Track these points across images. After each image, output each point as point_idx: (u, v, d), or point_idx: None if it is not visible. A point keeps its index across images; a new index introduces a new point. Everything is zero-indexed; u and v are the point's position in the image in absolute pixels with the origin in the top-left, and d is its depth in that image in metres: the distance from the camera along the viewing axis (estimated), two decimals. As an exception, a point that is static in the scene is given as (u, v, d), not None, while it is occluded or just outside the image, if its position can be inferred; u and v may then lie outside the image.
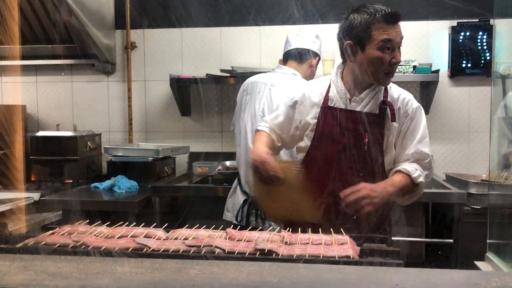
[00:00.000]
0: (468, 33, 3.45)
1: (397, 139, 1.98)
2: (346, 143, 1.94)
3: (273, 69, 2.83)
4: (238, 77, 3.38)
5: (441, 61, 3.54)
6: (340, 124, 1.95)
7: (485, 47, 3.44)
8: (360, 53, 1.89)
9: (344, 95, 1.97)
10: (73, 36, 3.61)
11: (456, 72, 3.51)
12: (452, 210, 2.82)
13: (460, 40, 3.47)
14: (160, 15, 3.80)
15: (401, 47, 1.92)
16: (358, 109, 1.95)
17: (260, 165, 1.86)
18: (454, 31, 3.47)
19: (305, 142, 2.03)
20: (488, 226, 2.01)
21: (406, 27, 3.65)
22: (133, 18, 3.82)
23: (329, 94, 1.99)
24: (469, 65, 3.47)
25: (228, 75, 3.48)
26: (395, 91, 2.01)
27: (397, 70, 3.31)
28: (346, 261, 1.21)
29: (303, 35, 2.68)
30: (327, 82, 2.04)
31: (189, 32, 3.82)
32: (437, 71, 3.35)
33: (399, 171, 1.93)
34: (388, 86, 1.99)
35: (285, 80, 2.58)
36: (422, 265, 2.88)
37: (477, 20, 3.45)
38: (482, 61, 3.46)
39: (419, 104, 2.04)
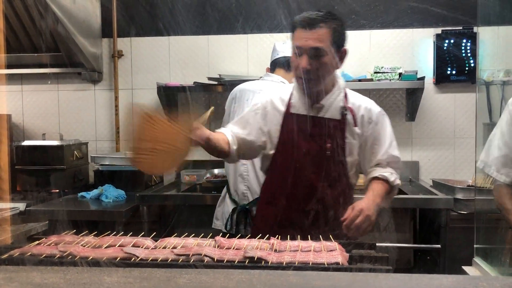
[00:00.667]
0: (452, 41, 3.50)
1: (363, 145, 2.00)
2: (310, 149, 1.96)
3: (261, 77, 2.83)
4: (225, 85, 3.38)
5: (426, 68, 3.58)
6: (304, 131, 1.97)
7: (469, 54, 3.49)
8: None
9: (306, 102, 1.98)
10: (60, 45, 3.59)
11: (441, 79, 3.55)
12: (440, 215, 2.84)
13: (445, 48, 3.51)
14: (147, 24, 3.80)
15: (324, 56, 1.89)
16: (319, 115, 1.98)
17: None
18: (439, 38, 3.51)
19: (270, 149, 2.04)
20: (475, 231, 2.03)
21: (391, 35, 3.74)
22: (120, 27, 3.81)
23: (291, 101, 2.01)
24: (454, 72, 3.52)
25: (215, 83, 3.48)
26: (356, 99, 2.04)
27: (383, 77, 3.39)
28: (336, 267, 1.22)
29: (290, 43, 2.69)
30: (289, 89, 2.07)
31: (176, 40, 3.82)
32: (422, 78, 3.39)
33: (377, 178, 1.96)
34: (347, 93, 2.03)
35: (274, 88, 2.59)
36: (411, 271, 2.90)
37: (461, 27, 3.50)
38: (467, 68, 3.51)
39: (381, 109, 2.07)
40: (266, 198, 2.13)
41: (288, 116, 2.01)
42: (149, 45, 3.85)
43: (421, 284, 0.88)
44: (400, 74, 3.42)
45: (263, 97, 2.10)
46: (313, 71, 1.88)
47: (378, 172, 1.97)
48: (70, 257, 1.32)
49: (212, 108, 2.04)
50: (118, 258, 1.33)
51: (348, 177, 2.02)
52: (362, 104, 2.03)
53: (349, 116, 1.97)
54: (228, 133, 2.01)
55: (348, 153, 1.98)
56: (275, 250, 1.40)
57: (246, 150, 2.04)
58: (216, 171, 3.55)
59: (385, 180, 1.95)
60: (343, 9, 3.61)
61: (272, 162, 2.05)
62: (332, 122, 1.96)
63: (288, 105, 2.02)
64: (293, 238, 1.49)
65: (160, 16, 3.75)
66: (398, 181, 1.98)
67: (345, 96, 2.01)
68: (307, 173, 1.97)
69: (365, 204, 1.82)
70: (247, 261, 1.31)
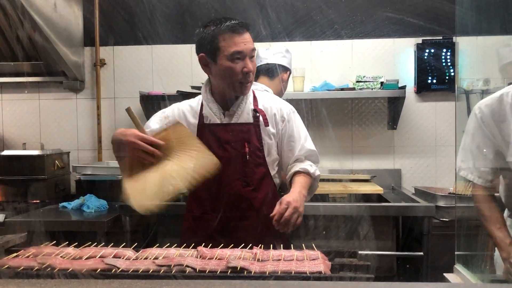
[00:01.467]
0: (432, 50, 3.56)
1: (280, 143, 2.05)
2: (229, 157, 1.96)
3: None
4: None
5: (407, 77, 3.63)
6: (219, 139, 1.98)
7: (449, 64, 3.55)
8: (214, 65, 1.93)
9: (217, 110, 2.00)
10: (40, 53, 3.55)
11: (422, 88, 3.60)
12: (421, 223, 2.86)
13: (425, 57, 3.57)
14: (129, 32, 3.79)
15: (253, 57, 1.96)
16: (232, 121, 1.99)
17: (134, 140, 1.71)
18: (419, 48, 3.57)
19: None
20: (456, 238, 2.05)
21: (373, 44, 3.78)
22: (102, 35, 3.79)
23: (204, 111, 2.01)
24: (434, 81, 3.57)
25: (199, 91, 3.46)
26: (266, 100, 2.08)
27: (365, 86, 3.42)
28: (317, 276, 1.22)
29: (273, 50, 2.70)
30: (199, 101, 2.07)
31: (159, 49, 3.81)
32: (403, 87, 3.44)
33: (298, 172, 2.01)
34: (256, 95, 2.06)
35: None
36: (393, 279, 2.91)
37: (441, 37, 3.56)
38: (447, 77, 3.56)
39: (292, 107, 2.12)
40: (193, 212, 2.08)
41: (202, 127, 2.01)
42: (132, 54, 3.83)
43: (401, 292, 0.89)
44: (381, 83, 3.46)
45: (174, 109, 2.08)
46: (252, 73, 1.93)
47: (299, 166, 2.02)
48: (49, 269, 1.30)
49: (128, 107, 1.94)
50: (99, 270, 1.32)
51: (271, 177, 2.06)
52: (273, 104, 2.07)
53: (259, 117, 1.99)
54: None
55: (267, 153, 2.01)
56: (258, 260, 1.40)
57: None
58: (199, 180, 3.53)
59: (306, 173, 2.01)
60: (322, 19, 3.65)
61: None
62: (246, 126, 1.98)
63: (200, 117, 2.02)
64: (225, 247, 1.48)
65: (142, 25, 3.74)
66: (318, 172, 2.07)
67: (254, 98, 2.05)
68: (231, 181, 1.97)
69: (292, 197, 1.84)
70: (229, 271, 1.30)
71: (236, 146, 1.97)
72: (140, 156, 1.72)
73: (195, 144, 1.75)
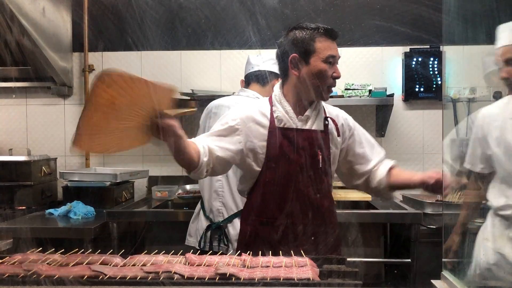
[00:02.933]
0: (420, 59, 3.60)
1: (345, 153, 2.05)
2: (303, 163, 1.93)
3: (233, 93, 2.84)
4: (198, 100, 3.38)
5: (395, 85, 3.67)
6: (294, 144, 1.93)
7: (436, 72, 3.60)
8: (305, 66, 1.90)
9: (293, 115, 1.96)
10: (28, 59, 3.52)
11: (409, 96, 3.64)
12: (409, 230, 2.88)
13: (413, 66, 3.61)
14: (118, 38, 3.78)
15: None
16: (306, 127, 1.96)
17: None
18: (407, 56, 3.61)
19: (254, 167, 1.97)
20: (443, 245, 2.06)
21: (361, 52, 3.82)
22: (91, 41, 3.77)
23: (276, 115, 1.96)
24: (421, 89, 3.61)
25: (188, 98, 3.47)
26: (332, 109, 2.08)
27: (353, 94, 3.45)
28: (306, 283, 1.22)
29: (264, 56, 2.70)
30: (266, 103, 2.02)
31: (148, 55, 3.81)
32: (391, 95, 3.47)
33: (394, 166, 2.06)
34: (324, 105, 2.05)
35: (250, 102, 2.59)
36: (381, 285, 2.92)
37: (428, 46, 3.61)
38: (434, 86, 3.61)
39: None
40: (256, 216, 2.02)
41: (274, 130, 1.95)
42: (121, 60, 3.82)
43: (389, 298, 0.89)
44: (370, 91, 3.49)
45: (242, 112, 2.00)
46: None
47: (389, 163, 2.06)
48: (35, 276, 1.29)
49: (194, 108, 1.87)
50: (86, 277, 1.30)
51: (331, 187, 2.06)
52: (339, 113, 2.07)
53: (331, 126, 1.98)
54: (200, 144, 1.87)
55: (332, 163, 2.00)
56: (247, 266, 1.40)
57: (218, 165, 1.92)
58: (188, 187, 3.53)
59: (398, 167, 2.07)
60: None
61: (260, 179, 1.98)
62: (320, 134, 1.95)
63: (272, 119, 1.97)
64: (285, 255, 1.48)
65: (132, 31, 3.73)
66: None
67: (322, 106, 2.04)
68: (302, 187, 1.94)
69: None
70: (217, 278, 1.30)
71: (310, 152, 1.93)
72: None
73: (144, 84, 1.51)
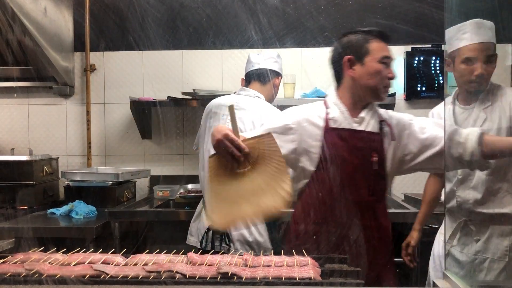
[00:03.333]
0: (422, 58, 3.59)
1: (413, 145, 1.98)
2: (357, 163, 1.93)
3: (235, 92, 2.83)
4: (200, 99, 3.38)
5: (397, 84, 3.66)
6: (349, 145, 1.94)
7: (438, 71, 3.59)
8: (360, 67, 1.92)
9: (347, 115, 1.96)
10: (30, 58, 3.53)
11: (411, 95, 3.63)
12: (411, 229, 2.86)
13: (415, 65, 3.60)
14: (120, 38, 3.78)
15: None
16: (361, 128, 1.95)
17: (223, 138, 1.71)
18: (409, 55, 3.60)
19: (307, 167, 1.98)
20: (445, 245, 2.06)
21: (363, 51, 3.77)
22: (93, 41, 3.78)
23: (331, 115, 1.97)
24: (423, 88, 3.60)
25: (189, 97, 3.47)
26: (383, 111, 2.06)
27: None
28: (308, 282, 1.21)
29: (265, 54, 2.70)
30: (321, 105, 2.03)
31: (149, 54, 3.81)
32: (393, 94, 3.46)
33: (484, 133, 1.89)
34: (378, 108, 2.04)
35: (249, 102, 2.59)
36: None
37: (430, 45, 3.60)
38: (436, 85, 3.60)
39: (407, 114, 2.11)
40: (311, 218, 2.02)
41: (329, 131, 1.96)
42: (122, 60, 3.83)
43: (391, 297, 0.89)
44: (371, 90, 3.47)
45: (297, 113, 2.03)
46: None
47: (475, 131, 1.89)
48: (37, 275, 1.29)
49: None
50: (87, 276, 1.30)
51: (386, 190, 2.03)
52: (392, 114, 2.05)
53: (386, 129, 1.97)
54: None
55: (388, 164, 1.97)
56: (249, 266, 1.40)
57: None
58: (189, 186, 3.53)
59: None
60: (313, 25, 3.68)
61: (314, 180, 1.98)
62: (375, 135, 1.94)
63: (326, 120, 1.97)
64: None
65: (133, 31, 3.74)
66: None
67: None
68: (357, 188, 1.94)
69: None
70: (219, 277, 1.30)
71: (365, 154, 1.93)
72: (224, 155, 1.73)
73: (278, 158, 1.68)
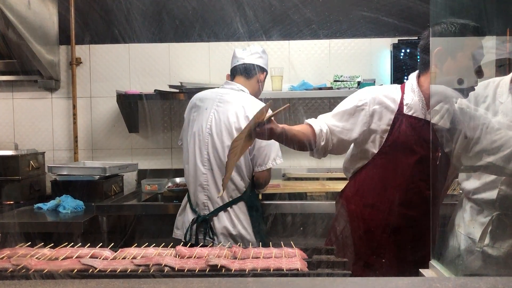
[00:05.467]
0: (408, 50, 3.61)
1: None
2: (423, 154, 1.90)
3: (221, 85, 2.83)
4: (187, 92, 3.37)
5: (384, 76, 3.68)
6: (419, 135, 1.91)
7: (424, 64, 3.61)
8: (450, 61, 1.89)
9: (424, 105, 1.94)
10: (14, 52, 3.48)
11: (398, 87, 3.65)
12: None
13: (401, 57, 3.62)
14: (106, 31, 3.75)
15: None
16: (434, 121, 1.91)
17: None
18: (395, 48, 3.62)
19: (370, 148, 1.98)
20: (431, 234, 2.08)
21: (350, 44, 3.82)
22: (78, 34, 3.74)
23: (407, 102, 1.95)
24: (409, 80, 3.62)
25: (177, 90, 3.46)
26: (458, 105, 1.99)
27: (342, 86, 3.46)
28: (295, 273, 1.23)
29: (250, 50, 2.71)
30: (397, 89, 2.01)
31: (136, 47, 3.78)
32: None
33: None
34: None
35: (233, 96, 2.59)
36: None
37: (417, 37, 3.62)
38: (422, 77, 3.62)
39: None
40: (362, 199, 2.03)
41: (402, 116, 1.94)
42: (108, 53, 3.79)
43: (377, 287, 0.91)
44: (358, 82, 3.49)
45: (370, 92, 2.01)
46: None
47: None
48: (24, 270, 1.28)
49: (287, 105, 1.97)
50: (75, 270, 1.30)
51: (447, 188, 2.00)
52: (467, 111, 1.98)
53: (459, 125, 1.89)
54: (318, 126, 1.94)
55: (453, 162, 1.93)
56: (238, 258, 1.40)
57: (339, 146, 1.99)
58: (177, 180, 3.52)
59: None
60: (300, 18, 3.68)
61: (373, 163, 1.98)
62: (446, 130, 1.88)
63: (401, 105, 1.95)
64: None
65: (118, 23, 3.70)
66: None
67: None
68: (417, 180, 1.92)
69: None
70: (207, 270, 1.30)
71: (433, 147, 1.87)
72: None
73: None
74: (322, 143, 1.96)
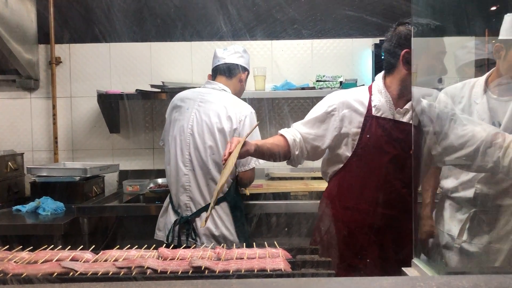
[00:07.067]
0: (389, 50, 3.63)
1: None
2: (395, 154, 1.94)
3: (203, 85, 2.81)
4: (169, 92, 3.34)
5: (365, 76, 3.70)
6: (389, 135, 1.95)
7: (405, 64, 3.64)
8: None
9: (391, 106, 1.97)
10: (-9, 51, 3.41)
11: (379, 87, 3.67)
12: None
13: (383, 57, 3.63)
14: (86, 29, 3.69)
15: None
16: (404, 120, 1.97)
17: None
18: (377, 48, 3.64)
19: (344, 152, 2.01)
20: (413, 233, 2.10)
21: (332, 44, 3.83)
22: (58, 33, 3.67)
23: (375, 103, 1.98)
24: (391, 80, 3.65)
25: (159, 90, 3.42)
26: (426, 103, 2.03)
27: (324, 86, 3.47)
28: (279, 274, 1.22)
29: (231, 49, 2.69)
30: (365, 91, 2.04)
31: (117, 47, 3.73)
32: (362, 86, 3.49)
33: None
34: None
35: (215, 96, 2.57)
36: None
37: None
38: (403, 77, 3.65)
39: None
40: (340, 202, 2.06)
41: (371, 118, 1.97)
42: (89, 52, 3.74)
43: (361, 286, 0.90)
44: (341, 82, 3.51)
45: (338, 97, 2.04)
46: None
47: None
48: (2, 275, 1.25)
49: (257, 123, 2.08)
50: (55, 274, 1.27)
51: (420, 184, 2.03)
52: (435, 109, 2.02)
53: (428, 123, 1.93)
54: (291, 136, 1.98)
55: (422, 159, 1.96)
56: (222, 259, 1.39)
57: (313, 154, 2.03)
58: (159, 180, 3.49)
59: None
60: (283, 17, 3.68)
61: (348, 165, 2.02)
62: (415, 129, 1.91)
63: (369, 107, 1.98)
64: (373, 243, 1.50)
65: (99, 22, 3.65)
66: None
67: None
68: (391, 179, 1.96)
69: None
70: (190, 271, 1.29)
71: (404, 146, 1.93)
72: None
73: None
74: (297, 152, 2.00)
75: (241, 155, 1.82)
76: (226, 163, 1.75)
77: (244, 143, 1.82)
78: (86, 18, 3.68)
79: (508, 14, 1.87)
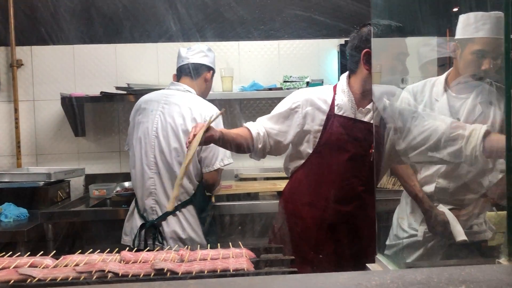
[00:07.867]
0: (354, 51, 3.69)
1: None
2: (354, 153, 1.98)
3: (167, 87, 2.78)
4: (135, 94, 3.30)
5: (331, 76, 3.75)
6: (349, 134, 1.98)
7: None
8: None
9: (353, 105, 2.01)
10: None
11: (345, 87, 3.72)
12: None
13: (348, 57, 3.69)
14: (49, 32, 3.61)
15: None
16: (365, 119, 2.00)
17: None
18: (342, 48, 3.69)
19: (305, 149, 2.04)
20: (377, 230, 2.14)
21: (298, 45, 3.87)
22: (19, 35, 3.58)
23: (337, 102, 2.01)
24: (357, 80, 3.71)
25: (124, 92, 3.38)
26: (388, 103, 2.08)
27: (291, 86, 3.50)
28: (241, 273, 1.23)
29: (195, 49, 2.67)
30: (330, 90, 2.08)
31: (81, 49, 3.67)
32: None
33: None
34: None
35: (179, 97, 2.55)
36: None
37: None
38: (368, 77, 3.71)
39: None
40: (300, 198, 2.10)
41: (333, 117, 2.00)
42: (52, 54, 3.66)
43: (318, 283, 0.92)
44: (307, 82, 3.54)
45: (303, 95, 2.07)
46: None
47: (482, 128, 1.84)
48: (-45, 284, 1.21)
49: (222, 110, 2.03)
50: (12, 281, 1.24)
51: (378, 182, 2.10)
52: (397, 107, 2.06)
53: (389, 123, 1.98)
54: (255, 129, 2.00)
55: (382, 158, 2.00)
56: (185, 261, 1.39)
57: (276, 148, 2.05)
58: (126, 184, 3.45)
59: None
60: (250, 16, 3.69)
61: (309, 162, 2.05)
62: (376, 128, 1.96)
63: (332, 106, 2.01)
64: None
65: (63, 24, 3.58)
66: None
67: None
68: (349, 177, 2.00)
69: None
70: (152, 274, 1.28)
71: (363, 144, 1.96)
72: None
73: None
74: (260, 146, 2.02)
75: (206, 140, 1.82)
76: (189, 145, 1.76)
77: (209, 129, 1.83)
78: (49, 20, 3.60)
79: (462, 14, 1.94)
